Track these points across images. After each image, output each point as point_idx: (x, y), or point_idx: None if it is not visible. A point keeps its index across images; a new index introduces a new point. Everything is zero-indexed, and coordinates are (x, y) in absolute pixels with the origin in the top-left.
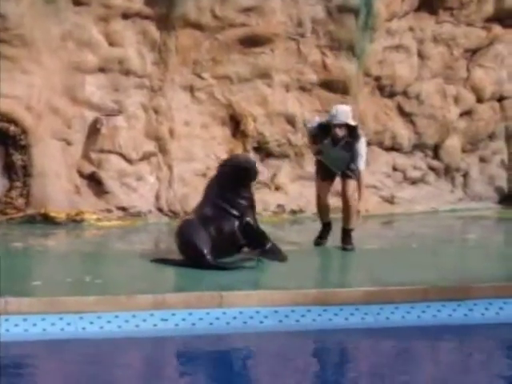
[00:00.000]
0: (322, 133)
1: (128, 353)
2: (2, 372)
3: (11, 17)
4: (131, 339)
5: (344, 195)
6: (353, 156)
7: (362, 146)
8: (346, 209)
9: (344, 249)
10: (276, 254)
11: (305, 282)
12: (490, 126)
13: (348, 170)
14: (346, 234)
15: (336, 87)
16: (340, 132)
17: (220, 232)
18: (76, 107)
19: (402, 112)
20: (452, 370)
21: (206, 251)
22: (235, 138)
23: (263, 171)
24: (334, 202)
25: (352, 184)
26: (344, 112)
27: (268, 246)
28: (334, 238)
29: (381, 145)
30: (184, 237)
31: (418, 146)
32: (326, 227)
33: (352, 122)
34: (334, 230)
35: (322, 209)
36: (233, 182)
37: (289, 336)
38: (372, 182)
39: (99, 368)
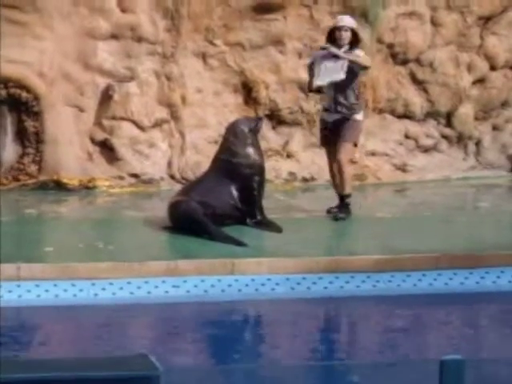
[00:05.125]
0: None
1: (140, 319)
2: (14, 337)
3: None
4: (143, 305)
5: (337, 161)
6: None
7: (358, 52)
8: (340, 174)
9: (335, 218)
10: (270, 226)
11: (316, 250)
12: (502, 94)
13: (342, 112)
14: (340, 201)
15: None
16: (345, 35)
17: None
18: (88, 74)
19: (414, 79)
20: (463, 337)
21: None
22: (247, 106)
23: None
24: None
25: (346, 147)
26: (349, 18)
27: (259, 217)
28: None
29: (393, 112)
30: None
31: (431, 114)
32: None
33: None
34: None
35: (331, 178)
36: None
37: (300, 303)
38: (384, 149)
39: (111, 334)
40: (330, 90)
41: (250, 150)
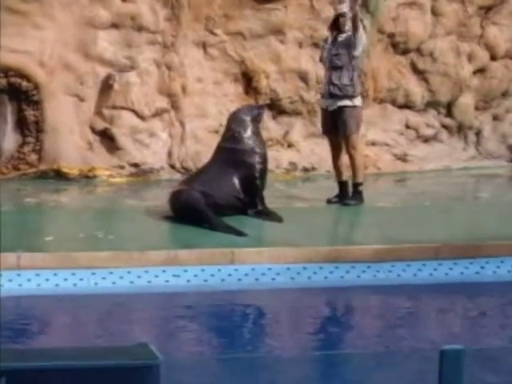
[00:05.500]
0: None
1: (140, 308)
2: (14, 326)
3: None
4: (143, 295)
5: (349, 155)
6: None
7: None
8: (352, 164)
9: (344, 204)
10: (271, 216)
11: (317, 240)
12: (503, 84)
13: (336, 95)
14: (353, 189)
15: None
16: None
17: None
18: (88, 63)
19: (415, 69)
20: (463, 327)
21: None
22: (248, 95)
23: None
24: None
25: (352, 139)
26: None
27: (260, 208)
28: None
29: (394, 102)
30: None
31: (431, 104)
32: (340, 187)
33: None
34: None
35: (333, 167)
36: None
37: (300, 293)
38: (384, 139)
39: (111, 323)
40: (326, 71)
41: (254, 139)
